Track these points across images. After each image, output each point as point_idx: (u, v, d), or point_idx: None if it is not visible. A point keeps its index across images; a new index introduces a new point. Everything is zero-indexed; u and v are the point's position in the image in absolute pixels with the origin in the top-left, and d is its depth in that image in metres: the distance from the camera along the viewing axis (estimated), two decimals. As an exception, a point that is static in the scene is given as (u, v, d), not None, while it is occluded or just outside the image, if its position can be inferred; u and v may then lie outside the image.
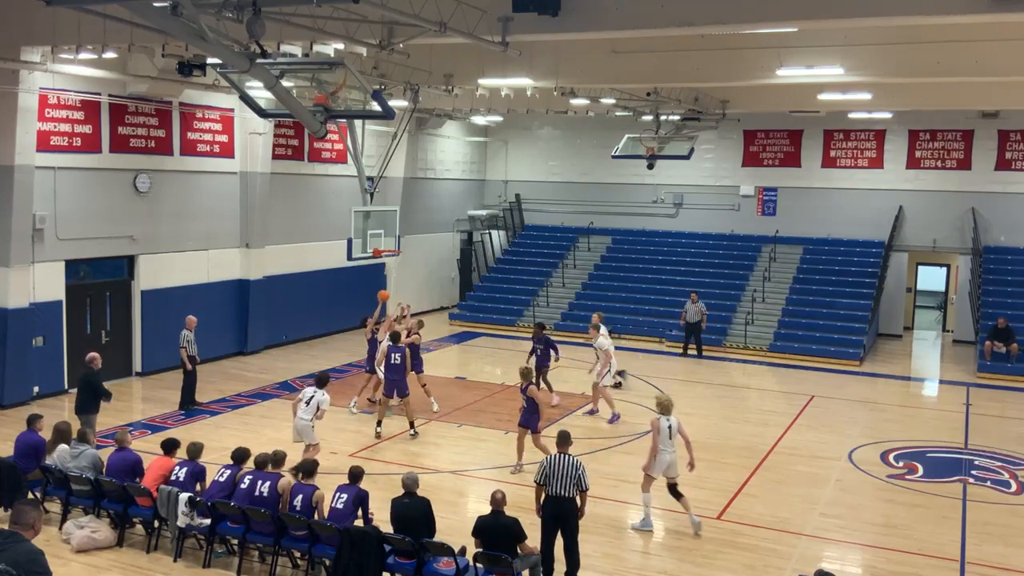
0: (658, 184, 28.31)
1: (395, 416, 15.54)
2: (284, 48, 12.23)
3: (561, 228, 29.97)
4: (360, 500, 9.51)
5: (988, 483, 13.58)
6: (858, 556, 10.98)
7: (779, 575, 10.17)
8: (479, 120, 28.81)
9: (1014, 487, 13.49)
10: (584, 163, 29.45)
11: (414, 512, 9.22)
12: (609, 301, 25.95)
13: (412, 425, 15.06)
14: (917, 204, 25.94)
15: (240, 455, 10.39)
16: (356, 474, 9.83)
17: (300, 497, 9.60)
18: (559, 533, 9.61)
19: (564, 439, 9.92)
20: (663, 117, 21.10)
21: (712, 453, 14.79)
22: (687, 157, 22.92)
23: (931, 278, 28.81)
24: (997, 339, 21.61)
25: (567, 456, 9.70)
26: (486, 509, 9.12)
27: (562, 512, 9.56)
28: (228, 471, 10.21)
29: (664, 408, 11.38)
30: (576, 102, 20.63)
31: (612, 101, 20.29)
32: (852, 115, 24.76)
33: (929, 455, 14.96)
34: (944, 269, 28.09)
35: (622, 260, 28.10)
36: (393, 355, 15.02)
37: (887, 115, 24.55)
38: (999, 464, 14.51)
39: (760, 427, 16.44)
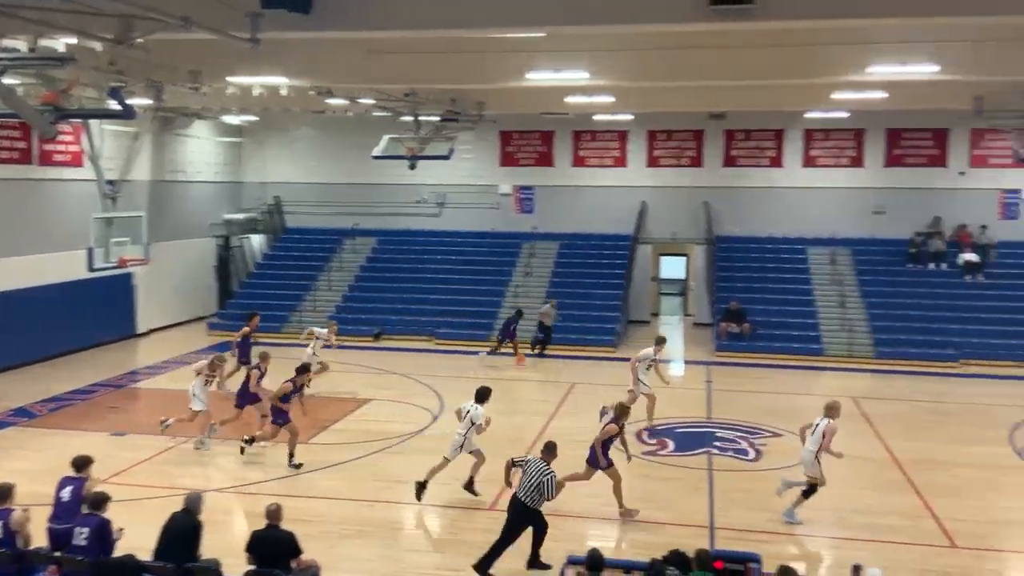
0: (421, 184, 28.50)
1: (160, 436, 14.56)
2: (6, 43, 11.08)
3: (324, 230, 29.42)
4: (102, 530, 8.77)
5: (730, 453, 14.89)
6: (619, 531, 11.66)
7: (551, 557, 10.57)
8: (232, 119, 27.64)
9: (752, 455, 14.90)
10: (345, 164, 29.07)
11: (180, 530, 8.71)
12: (377, 302, 25.84)
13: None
14: (658, 199, 27.96)
15: None
16: (98, 501, 8.94)
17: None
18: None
19: (549, 448, 10.39)
20: (422, 118, 21.28)
21: (482, 446, 15.12)
22: (447, 157, 23.27)
23: (672, 267, 31.17)
24: (731, 320, 23.79)
25: (543, 463, 10.05)
26: (255, 526, 8.78)
27: (512, 509, 10.05)
28: None
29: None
30: (333, 102, 20.32)
31: (371, 101, 20.18)
32: (597, 117, 26.28)
33: (678, 430, 16.18)
34: (683, 259, 30.46)
35: (388, 260, 28.08)
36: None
37: (629, 117, 26.31)
38: (739, 435, 15.96)
39: (527, 417, 17.03)
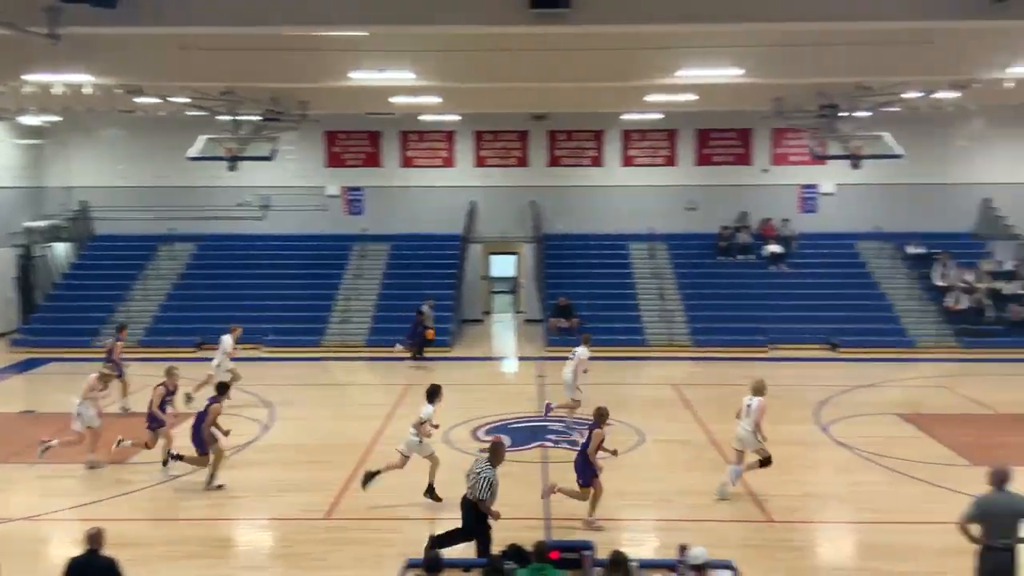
0: (242, 186, 27.43)
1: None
2: None
3: (138, 236, 27.81)
4: None
5: (563, 444, 15.27)
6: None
7: (390, 563, 10.47)
8: (30, 120, 25.66)
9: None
10: (160, 165, 27.58)
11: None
12: (199, 311, 24.74)
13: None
14: (486, 199, 28.31)
15: None
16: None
17: None
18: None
19: (494, 451, 10.28)
20: (241, 117, 20.54)
21: (316, 454, 14.82)
22: (269, 158, 22.53)
23: (503, 266, 31.66)
24: (560, 316, 24.44)
25: (486, 464, 10.02)
26: (70, 556, 8.19)
27: (464, 507, 9.99)
28: None
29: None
30: (143, 101, 19.28)
31: (185, 100, 19.29)
32: (423, 117, 26.30)
33: (512, 426, 16.43)
34: (513, 257, 30.99)
35: (209, 266, 26.98)
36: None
37: (456, 117, 26.49)
38: (571, 426, 16.37)
39: (362, 421, 16.80)
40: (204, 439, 12.82)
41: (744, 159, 28.20)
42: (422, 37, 13.87)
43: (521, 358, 23.76)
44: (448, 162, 28.46)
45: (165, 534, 11.39)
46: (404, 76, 15.30)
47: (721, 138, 28.12)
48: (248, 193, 27.92)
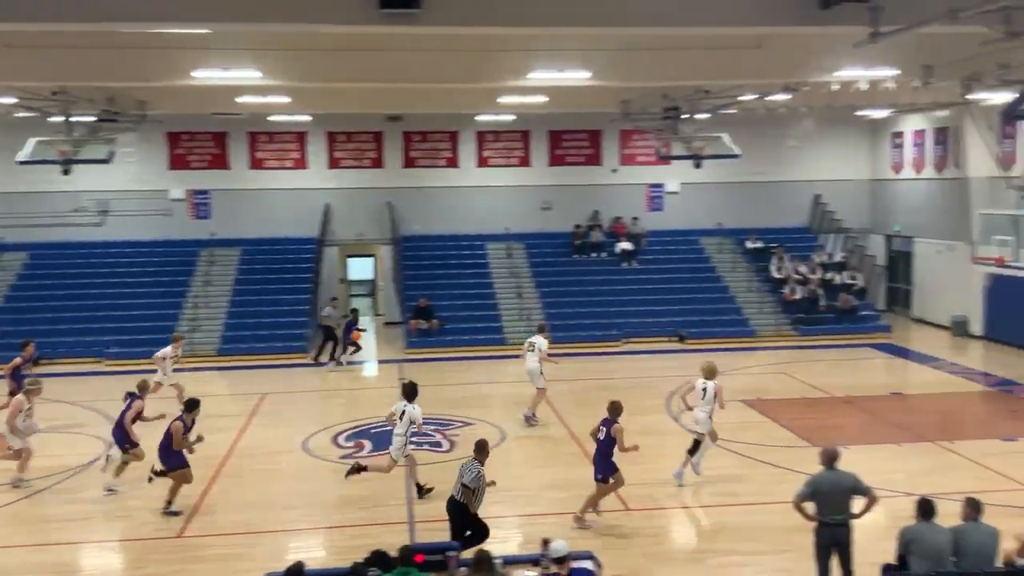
0: (79, 191, 25.86)
1: None
2: None
3: (-39, 246, 25.86)
4: None
5: (425, 446, 15.22)
6: (321, 539, 11.53)
7: (248, 577, 10.19)
8: None
9: (446, 446, 15.37)
10: (-16, 170, 25.71)
11: None
12: (34, 324, 23.14)
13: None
14: (341, 201, 27.88)
15: None
16: None
17: None
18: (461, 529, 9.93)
19: (480, 448, 10.29)
20: (74, 118, 19.37)
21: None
22: (107, 161, 21.38)
23: (361, 268, 31.26)
24: (420, 317, 24.36)
25: (474, 462, 10.08)
26: None
27: (451, 510, 10.06)
28: None
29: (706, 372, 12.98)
30: (-36, 101, 17.92)
31: (13, 100, 18.08)
32: (273, 118, 25.62)
33: (374, 431, 16.23)
34: (371, 259, 30.65)
35: (44, 277, 25.41)
36: None
37: (307, 118, 25.93)
38: (432, 428, 16.34)
39: (214, 434, 16.08)
40: (174, 452, 12.19)
41: (595, 159, 28.93)
42: (268, 35, 13.48)
43: (381, 361, 23.53)
44: (300, 163, 27.84)
45: (4, 563, 10.63)
46: (250, 75, 14.86)
47: (572, 139, 28.75)
48: (85, 198, 26.34)
